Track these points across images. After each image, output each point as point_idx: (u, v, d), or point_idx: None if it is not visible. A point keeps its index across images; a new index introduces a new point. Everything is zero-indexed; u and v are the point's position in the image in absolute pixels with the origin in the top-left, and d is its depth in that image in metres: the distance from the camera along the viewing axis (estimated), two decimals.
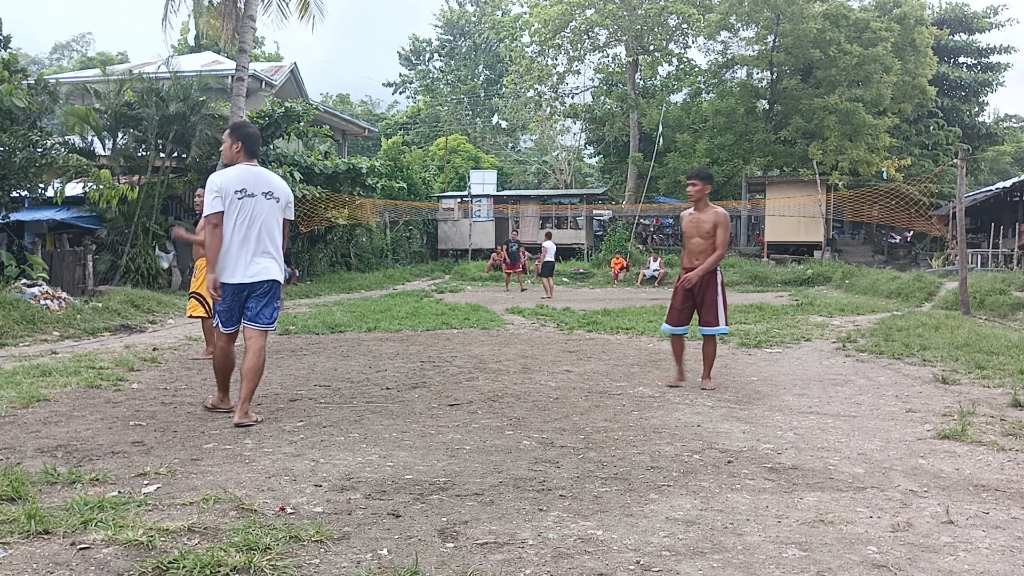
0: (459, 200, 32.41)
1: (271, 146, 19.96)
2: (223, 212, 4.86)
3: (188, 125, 17.24)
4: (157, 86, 17.37)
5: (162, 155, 17.61)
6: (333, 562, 2.70)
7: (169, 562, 2.61)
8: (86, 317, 10.79)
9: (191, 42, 32.60)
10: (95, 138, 17.65)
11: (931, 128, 33.70)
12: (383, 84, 57.77)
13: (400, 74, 54.43)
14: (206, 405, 5.28)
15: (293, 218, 5.24)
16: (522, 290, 20.65)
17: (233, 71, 18.18)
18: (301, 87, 27.77)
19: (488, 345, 8.90)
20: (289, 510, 3.22)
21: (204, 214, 4.97)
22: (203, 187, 8.15)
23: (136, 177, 16.94)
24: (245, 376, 4.87)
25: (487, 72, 51.17)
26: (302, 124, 20.52)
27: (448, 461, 4.03)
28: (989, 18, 35.64)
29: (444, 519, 3.15)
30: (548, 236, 20.73)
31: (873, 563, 2.72)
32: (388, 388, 6.13)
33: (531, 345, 8.95)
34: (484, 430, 4.75)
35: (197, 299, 7.51)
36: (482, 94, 50.78)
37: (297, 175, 18.43)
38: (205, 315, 7.43)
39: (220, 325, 5.00)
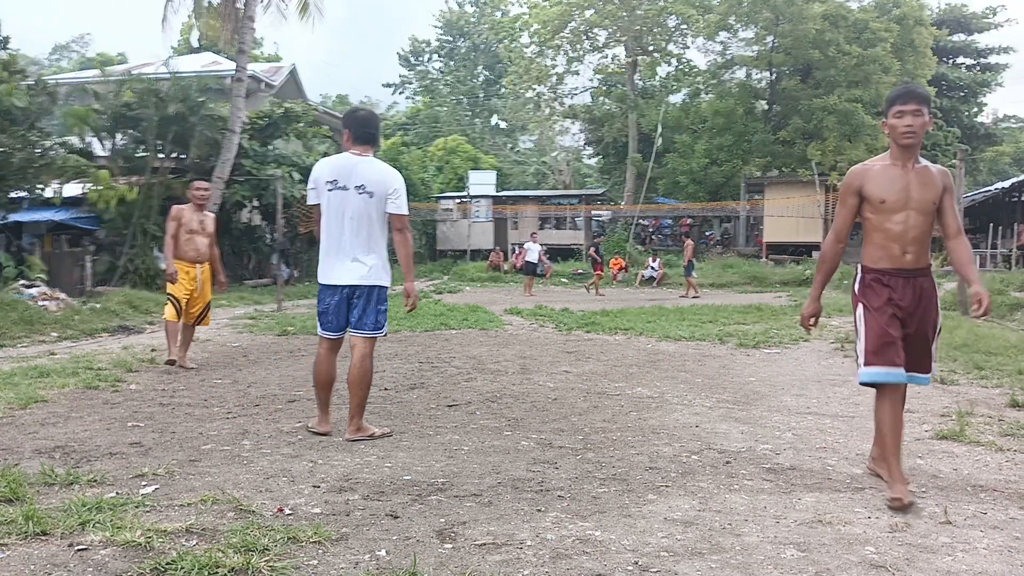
0: (458, 201, 32.42)
1: (270, 147, 19.96)
2: (319, 205, 4.56)
3: (187, 126, 17.25)
4: (156, 87, 17.37)
5: (161, 156, 17.61)
6: (331, 563, 2.70)
7: (167, 563, 2.61)
8: (84, 318, 10.79)
9: (193, 43, 32.59)
10: (94, 139, 17.65)
11: (930, 128, 33.66)
12: (382, 85, 57.87)
13: (399, 75, 54.46)
14: (308, 428, 4.72)
15: (405, 212, 4.60)
16: (589, 292, 20.16)
17: (232, 72, 18.20)
18: (300, 88, 27.78)
19: (487, 346, 8.90)
20: (287, 511, 3.22)
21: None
22: (200, 179, 8.17)
23: (135, 178, 16.93)
24: (350, 387, 4.56)
25: (486, 73, 51.16)
26: (301, 125, 20.53)
27: (446, 462, 4.03)
28: (988, 18, 35.70)
29: (442, 520, 3.15)
30: (533, 237, 20.80)
31: (871, 563, 2.72)
32: (386, 389, 6.13)
33: (530, 346, 8.96)
34: (482, 431, 4.75)
35: (172, 301, 7.15)
36: (481, 95, 50.80)
37: (296, 176, 18.43)
38: (174, 318, 7.11)
39: (319, 328, 4.69)
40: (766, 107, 31.81)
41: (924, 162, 3.60)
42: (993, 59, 36.20)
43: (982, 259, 23.23)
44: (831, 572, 2.65)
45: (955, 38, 35.48)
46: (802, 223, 27.70)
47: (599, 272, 20.82)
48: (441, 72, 53.29)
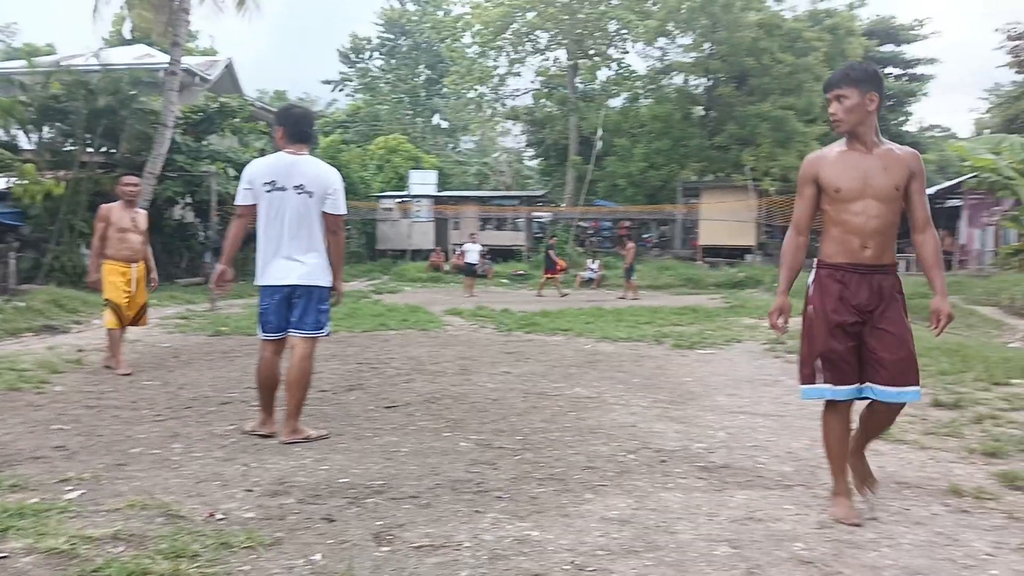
0: (399, 200, 32.16)
1: (205, 142, 19.48)
2: (250, 205, 4.46)
3: (118, 120, 16.69)
4: (86, 79, 16.75)
5: (90, 150, 16.99)
6: (264, 568, 2.65)
7: (93, 570, 2.53)
8: (7, 317, 10.34)
9: (125, 34, 31.56)
10: (20, 131, 16.95)
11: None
12: (322, 82, 56.91)
13: (339, 72, 53.77)
14: (244, 429, 4.64)
15: (342, 212, 4.58)
16: (562, 295, 19.94)
17: (166, 65, 17.69)
18: (237, 82, 27.17)
19: (426, 346, 8.86)
20: (219, 516, 3.15)
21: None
22: (130, 174, 7.87)
23: (62, 172, 16.30)
24: (288, 388, 4.47)
25: (428, 72, 50.87)
26: (237, 120, 20.09)
27: (384, 464, 4.00)
28: (914, 30, 37.14)
29: (379, 523, 3.13)
30: (472, 238, 20.79)
31: (800, 559, 2.81)
32: (324, 390, 6.05)
33: (470, 346, 8.95)
34: (421, 432, 4.73)
35: (111, 308, 6.85)
36: (423, 94, 50.50)
37: (231, 172, 18.02)
38: (116, 326, 6.83)
39: (260, 331, 4.58)
40: (703, 113, 32.45)
41: (888, 145, 3.31)
42: (919, 70, 37.66)
43: (908, 263, 24.14)
44: (762, 568, 2.72)
45: (884, 49, 36.81)
46: (736, 227, 28.35)
47: (553, 273, 21.08)
48: (382, 70, 52.77)
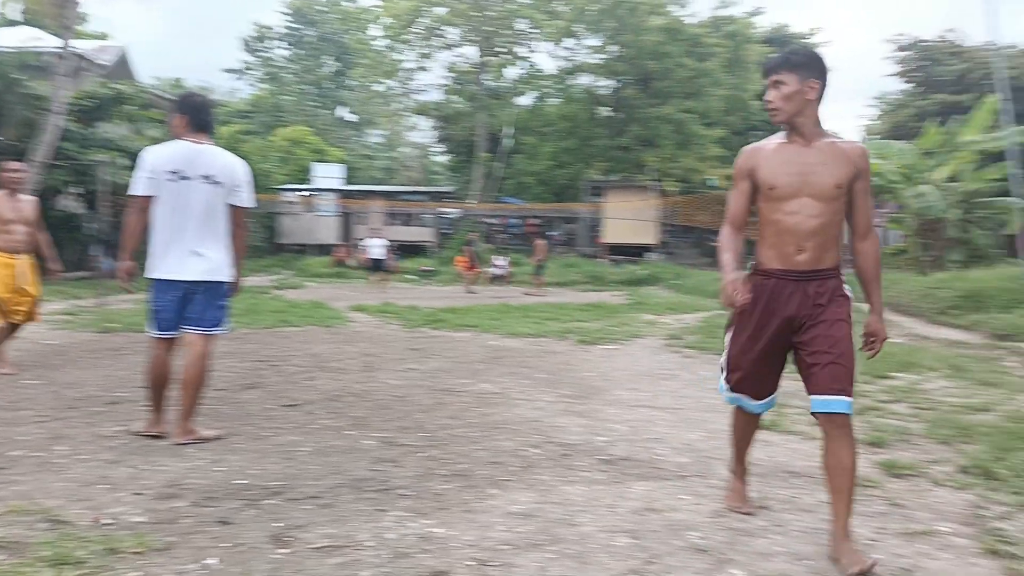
0: (302, 193, 31.43)
1: (96, 130, 18.51)
2: (150, 197, 4.19)
3: (3, 105, 15.67)
4: None
5: None
6: (155, 574, 2.54)
7: None
8: None
9: (12, 16, 29.56)
10: None
11: (755, 140, 36.22)
12: (223, 70, 54.99)
13: (242, 60, 52.09)
14: (131, 431, 4.40)
15: (252, 205, 4.47)
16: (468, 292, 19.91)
17: (56, 49, 16.72)
18: (131, 68, 25.93)
19: (329, 343, 8.70)
20: (106, 520, 3.00)
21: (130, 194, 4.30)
22: (14, 159, 7.36)
23: None
24: (183, 387, 4.24)
25: (335, 63, 49.93)
26: (132, 107, 19.20)
27: (284, 464, 3.90)
28: (807, 39, 38.88)
29: (278, 524, 3.05)
30: (375, 233, 20.57)
31: (696, 548, 2.90)
32: (220, 389, 5.83)
33: (374, 343, 8.84)
34: (323, 431, 4.64)
35: None
36: (329, 85, 49.53)
37: (124, 161, 17.15)
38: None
39: (153, 328, 4.33)
40: (609, 114, 33.10)
41: (832, 138, 2.98)
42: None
43: None
44: (659, 558, 2.80)
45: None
46: (639, 226, 29.06)
47: (473, 269, 21.14)
48: (287, 60, 51.44)
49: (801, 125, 2.94)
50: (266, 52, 51.84)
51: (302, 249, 30.02)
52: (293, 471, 3.77)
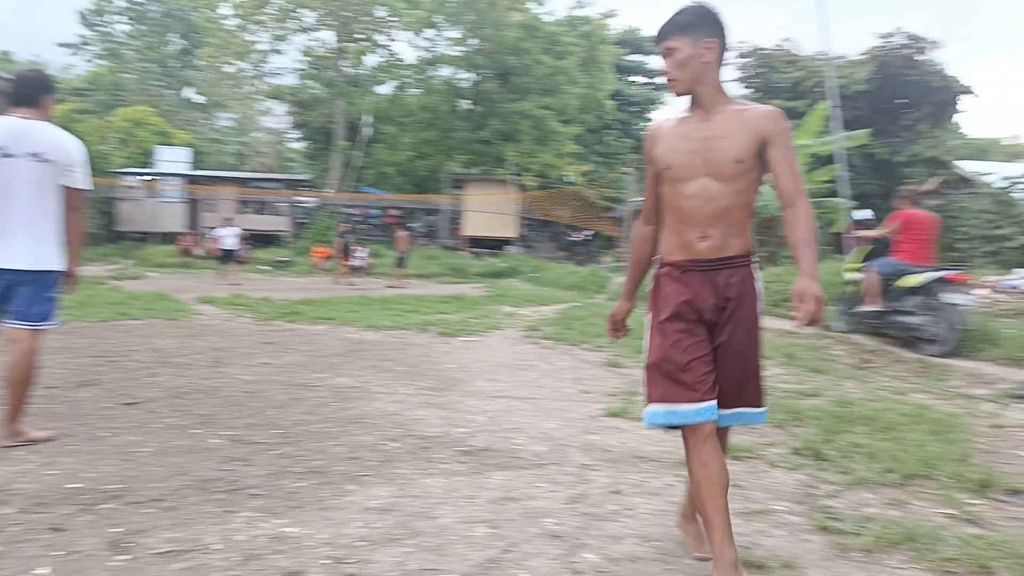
0: (144, 177, 29.54)
1: None
2: None
3: None
4: None
5: None
6: None
7: None
8: None
9: None
10: None
11: (609, 138, 37.60)
12: (57, 44, 50.64)
13: (78, 35, 48.19)
14: None
15: (86, 187, 4.09)
16: (335, 283, 19.45)
17: None
18: None
19: (174, 337, 8.23)
20: None
21: None
22: None
23: None
24: (10, 387, 3.84)
25: (181, 41, 47.17)
26: None
27: (123, 466, 3.65)
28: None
29: (116, 530, 2.85)
30: (227, 222, 19.74)
31: (552, 534, 2.97)
32: (51, 387, 5.38)
33: (223, 337, 8.44)
34: (166, 430, 4.38)
35: None
36: (175, 64, 46.75)
37: None
38: None
39: None
40: (469, 107, 33.21)
41: (740, 105, 2.61)
42: (660, 79, 41.24)
43: None
44: (517, 545, 2.84)
45: (632, 58, 39.92)
46: (499, 219, 29.43)
47: (346, 261, 20.71)
48: (128, 36, 48.09)
49: (701, 94, 2.58)
50: (105, 27, 48.25)
51: (143, 237, 28.24)
52: (133, 473, 3.54)
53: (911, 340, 8.46)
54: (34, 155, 3.90)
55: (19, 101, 4.01)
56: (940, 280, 8.22)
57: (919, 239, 8.57)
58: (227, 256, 18.90)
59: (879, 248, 9.11)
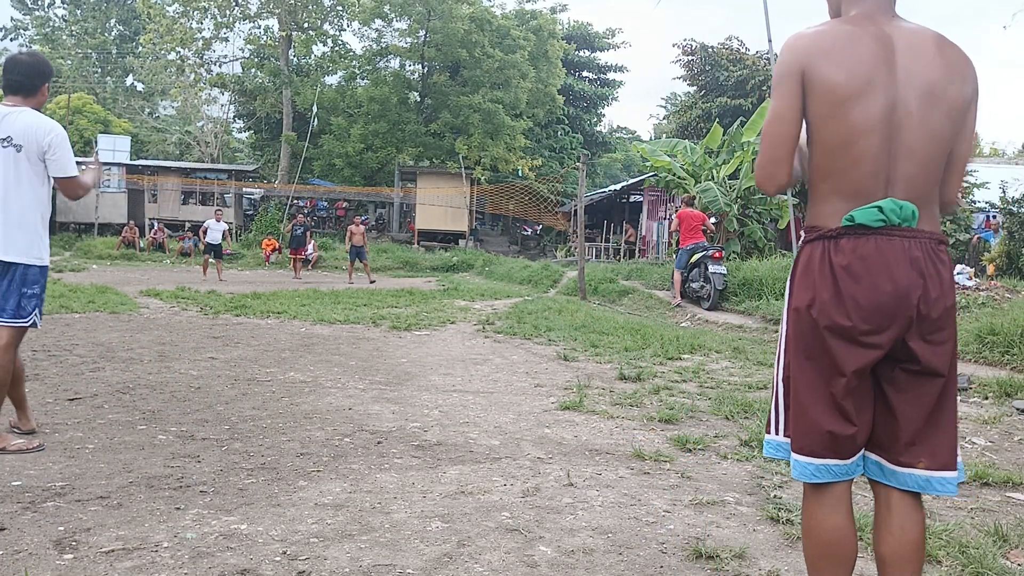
0: (83, 167, 28.65)
1: None
2: None
3: None
4: None
5: None
6: None
7: None
8: None
9: None
10: None
11: (559, 133, 37.74)
12: None
13: (12, 18, 46.39)
14: None
15: (66, 175, 3.86)
16: (295, 278, 19.26)
17: None
18: None
19: (118, 331, 8.02)
20: None
21: None
22: None
23: None
24: None
25: (120, 27, 45.78)
26: None
27: (67, 463, 3.55)
28: (608, 39, 40.84)
29: (61, 528, 2.77)
30: (217, 215, 18.99)
31: (507, 528, 2.98)
32: None
33: (170, 331, 8.26)
34: (111, 426, 4.27)
35: None
36: (114, 51, 45.36)
37: None
38: None
39: None
40: (419, 99, 32.97)
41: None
42: (611, 75, 41.52)
43: (597, 251, 26.64)
44: (471, 539, 2.85)
45: (581, 53, 40.08)
46: (450, 213, 29.30)
47: (299, 253, 20.37)
48: (65, 21, 46.49)
49: None
50: (41, 11, 46.56)
51: (84, 228, 27.42)
52: (77, 470, 3.45)
53: (696, 299, 12.53)
54: (4, 140, 3.72)
55: (15, 89, 3.80)
56: (707, 257, 12.23)
57: (692, 228, 12.75)
58: (215, 251, 18.05)
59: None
